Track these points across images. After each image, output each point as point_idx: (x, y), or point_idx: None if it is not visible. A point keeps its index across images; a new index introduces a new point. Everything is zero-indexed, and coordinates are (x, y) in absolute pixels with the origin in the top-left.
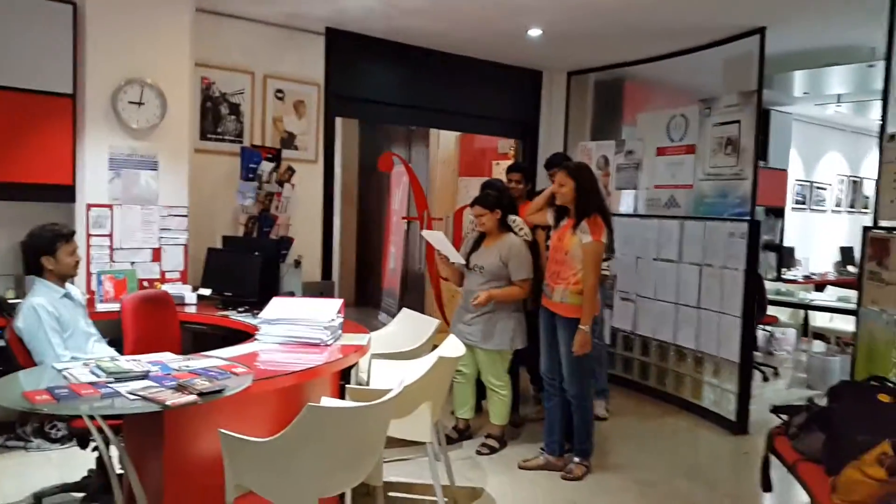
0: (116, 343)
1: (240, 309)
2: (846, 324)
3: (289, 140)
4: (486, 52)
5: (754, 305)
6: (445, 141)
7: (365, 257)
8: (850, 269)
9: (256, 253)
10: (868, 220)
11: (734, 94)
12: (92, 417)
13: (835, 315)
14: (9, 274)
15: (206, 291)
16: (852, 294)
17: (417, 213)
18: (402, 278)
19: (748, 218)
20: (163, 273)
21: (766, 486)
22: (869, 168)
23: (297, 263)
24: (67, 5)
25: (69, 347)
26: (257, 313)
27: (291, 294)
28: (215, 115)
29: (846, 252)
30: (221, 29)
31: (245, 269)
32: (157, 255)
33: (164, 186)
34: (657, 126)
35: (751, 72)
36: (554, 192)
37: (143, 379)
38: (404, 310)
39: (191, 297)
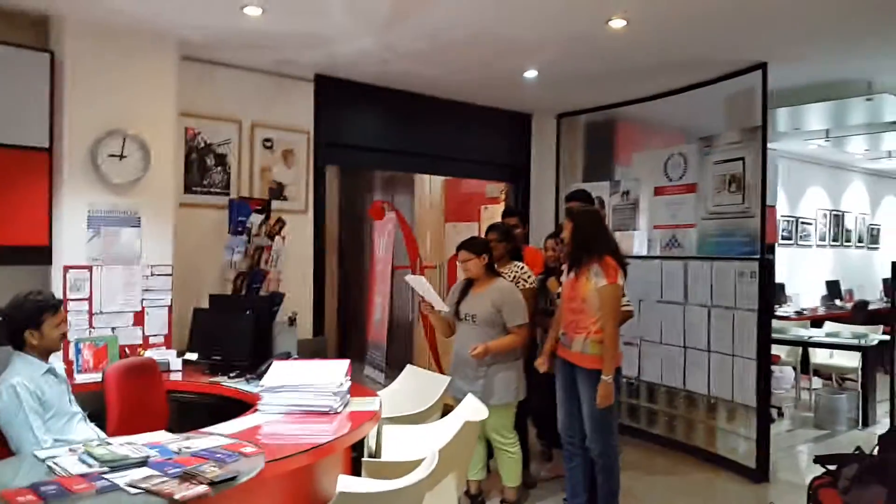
0: (97, 417)
1: (231, 374)
2: (848, 360)
3: (278, 190)
4: (477, 96)
5: (769, 347)
6: (431, 186)
7: (348, 308)
8: (838, 302)
9: (248, 311)
10: (854, 253)
11: (736, 130)
12: None
13: (835, 351)
14: None
15: (193, 356)
16: (843, 328)
17: (409, 262)
18: (388, 329)
19: (758, 256)
20: (146, 338)
21: None
22: (849, 201)
23: (292, 321)
24: (44, 54)
25: (51, 430)
26: (251, 378)
27: (287, 355)
28: (201, 167)
29: (832, 286)
30: (207, 77)
31: (235, 330)
32: (139, 318)
33: (147, 244)
34: (654, 165)
35: (753, 108)
36: (562, 236)
37: (141, 466)
38: (409, 367)
39: (176, 363)
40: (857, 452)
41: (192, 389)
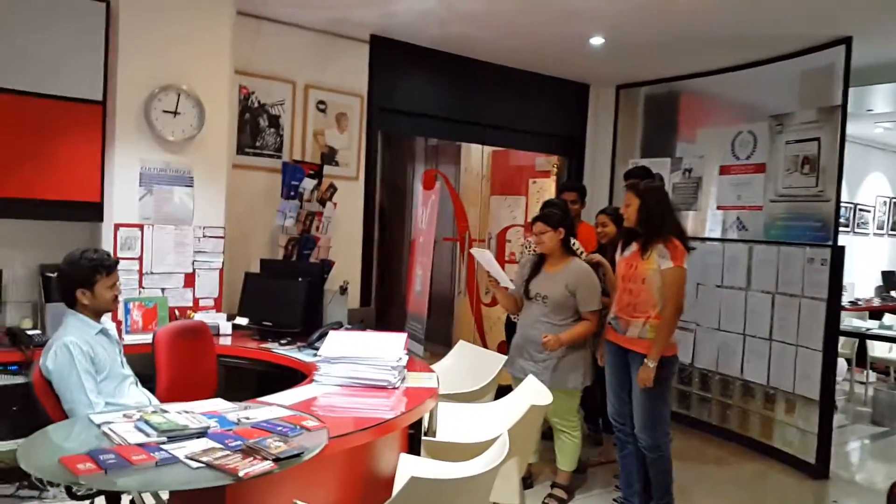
0: (147, 380)
1: (282, 341)
2: None
3: (329, 155)
4: (535, 64)
5: (837, 338)
6: (477, 156)
7: (387, 278)
8: (893, 294)
9: (300, 278)
10: None
11: (812, 109)
12: None
13: (894, 345)
14: (24, 301)
15: (243, 321)
16: None
17: (458, 235)
18: (429, 302)
19: (830, 243)
20: (196, 300)
21: None
22: None
23: (344, 290)
24: (100, 3)
25: (103, 392)
26: (302, 346)
27: (339, 325)
28: (254, 128)
29: (888, 276)
30: (262, 34)
31: (287, 297)
32: (189, 280)
33: (199, 205)
34: (720, 143)
35: (833, 86)
36: (621, 211)
37: (201, 437)
38: (461, 342)
39: (226, 328)
40: None
41: (243, 355)
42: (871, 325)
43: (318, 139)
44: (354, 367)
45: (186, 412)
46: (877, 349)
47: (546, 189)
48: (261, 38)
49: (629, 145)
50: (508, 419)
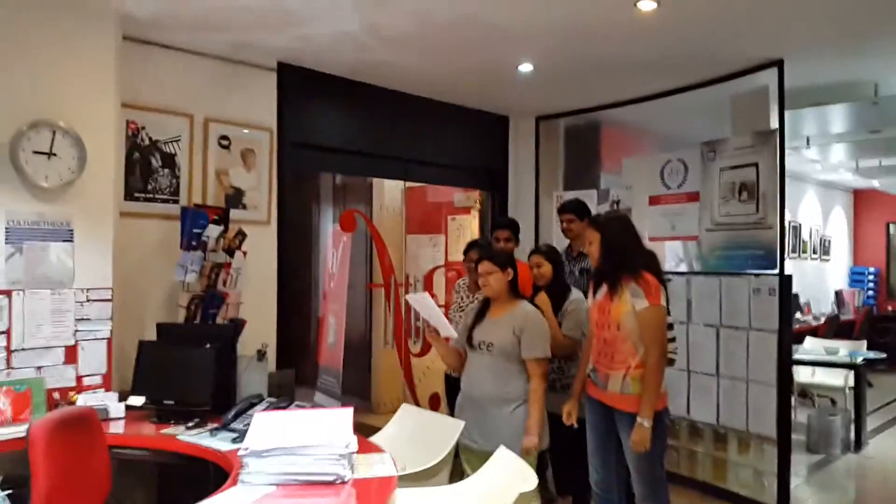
0: (20, 483)
1: (189, 424)
2: (833, 378)
3: (235, 197)
4: (454, 95)
5: (791, 371)
6: (392, 193)
7: (292, 328)
8: (799, 316)
9: (207, 344)
10: (809, 265)
11: (747, 134)
12: None
13: (816, 369)
14: None
15: (139, 400)
16: (819, 344)
17: (383, 279)
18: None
19: (777, 272)
20: (79, 379)
21: None
22: (804, 212)
23: (262, 355)
24: None
25: None
26: (215, 428)
27: (259, 398)
28: (145, 169)
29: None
30: (152, 62)
31: (192, 367)
32: (71, 354)
33: (81, 263)
34: (648, 172)
35: (767, 109)
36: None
37: None
38: (405, 406)
39: (117, 410)
40: None
41: (139, 445)
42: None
43: (222, 179)
44: (292, 459)
45: None
46: (801, 375)
47: (467, 226)
48: (152, 67)
49: (552, 178)
50: None
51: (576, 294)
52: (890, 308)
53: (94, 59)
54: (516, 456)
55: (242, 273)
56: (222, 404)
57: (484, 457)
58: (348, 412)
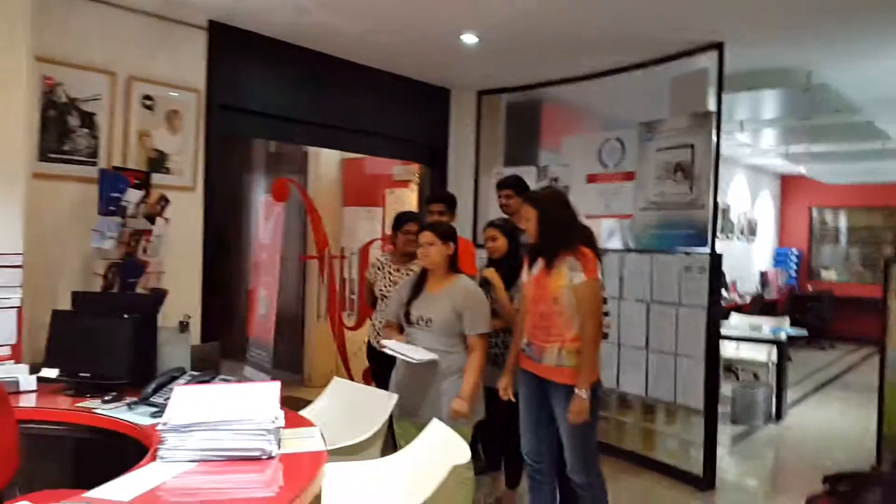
0: None
1: (106, 397)
2: (756, 353)
3: (159, 161)
4: (395, 64)
5: (718, 346)
6: (328, 164)
7: (218, 299)
8: (724, 293)
9: (126, 315)
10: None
11: (684, 115)
12: None
13: (741, 344)
14: None
15: (52, 373)
16: (745, 321)
17: (317, 251)
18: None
19: (708, 250)
20: None
21: None
22: (733, 195)
23: (184, 326)
24: None
25: None
26: (134, 403)
27: (181, 371)
28: (61, 128)
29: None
30: (73, 14)
31: (110, 339)
32: None
33: None
34: (587, 151)
35: (705, 91)
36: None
37: None
38: (336, 379)
39: (28, 383)
40: (876, 472)
41: (53, 419)
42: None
43: (145, 141)
44: (214, 434)
45: None
46: (727, 350)
47: (405, 200)
48: (73, 20)
49: (492, 154)
50: (420, 484)
51: None
52: (810, 288)
53: (4, 6)
54: (448, 428)
55: (164, 241)
56: (142, 377)
57: (423, 429)
58: (275, 386)
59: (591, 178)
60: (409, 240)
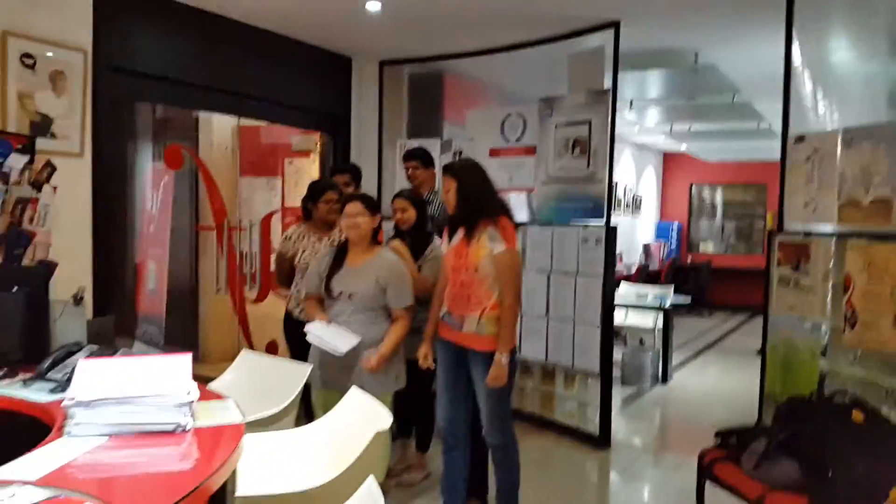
0: None
1: None
2: (643, 320)
3: (43, 125)
4: (296, 30)
5: (612, 313)
6: (221, 131)
7: (109, 272)
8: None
9: (15, 288)
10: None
11: (582, 92)
12: None
13: (629, 311)
14: None
15: None
16: (631, 289)
17: (215, 222)
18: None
19: (604, 223)
20: None
21: None
22: (619, 172)
23: (79, 300)
24: None
25: None
26: (29, 378)
27: (77, 346)
28: None
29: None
30: None
31: None
32: None
33: None
34: (490, 125)
35: (602, 69)
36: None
37: None
38: (245, 351)
39: None
40: (761, 427)
41: None
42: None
43: (26, 103)
44: (125, 408)
45: None
46: (616, 316)
47: (305, 170)
48: None
49: (396, 125)
50: (340, 452)
51: (438, 241)
52: (690, 259)
53: None
54: (369, 396)
55: (51, 210)
56: (34, 353)
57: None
58: (186, 358)
59: (494, 152)
60: (332, 209)
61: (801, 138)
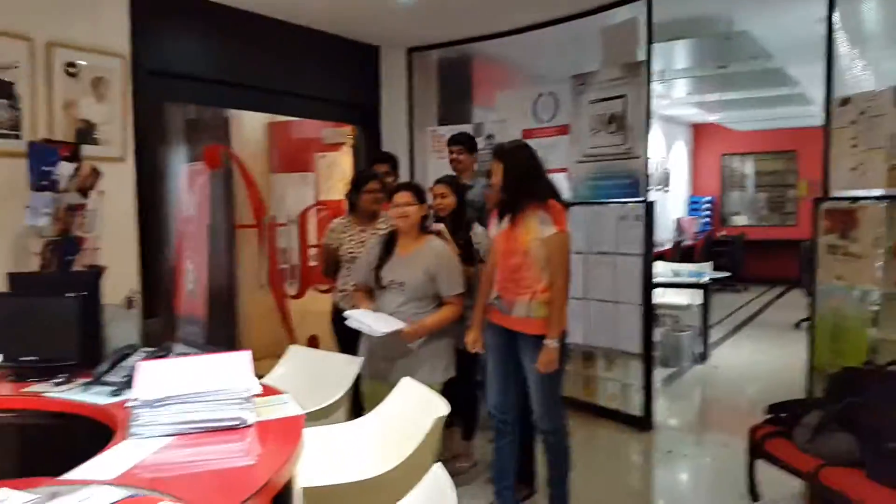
0: None
1: (56, 380)
2: (679, 297)
3: (86, 131)
4: (322, 21)
5: (652, 291)
6: (253, 129)
7: (155, 274)
8: None
9: (70, 294)
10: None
11: (616, 66)
12: None
13: (664, 289)
14: None
15: None
16: (668, 267)
17: (255, 220)
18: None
19: (642, 199)
20: None
21: (756, 495)
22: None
23: (131, 303)
24: None
25: None
26: (88, 382)
27: (133, 349)
28: None
29: None
30: None
31: (54, 320)
32: None
33: None
34: (521, 106)
35: (636, 41)
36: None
37: None
38: (293, 346)
39: None
40: (813, 399)
41: (2, 405)
42: None
43: (71, 111)
44: (188, 407)
45: None
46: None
47: (338, 163)
48: None
49: (426, 112)
50: (396, 441)
51: (479, 228)
52: (724, 233)
53: None
54: (421, 385)
55: (98, 215)
56: (91, 358)
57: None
58: (246, 355)
59: (527, 134)
60: (375, 198)
61: (846, 101)
